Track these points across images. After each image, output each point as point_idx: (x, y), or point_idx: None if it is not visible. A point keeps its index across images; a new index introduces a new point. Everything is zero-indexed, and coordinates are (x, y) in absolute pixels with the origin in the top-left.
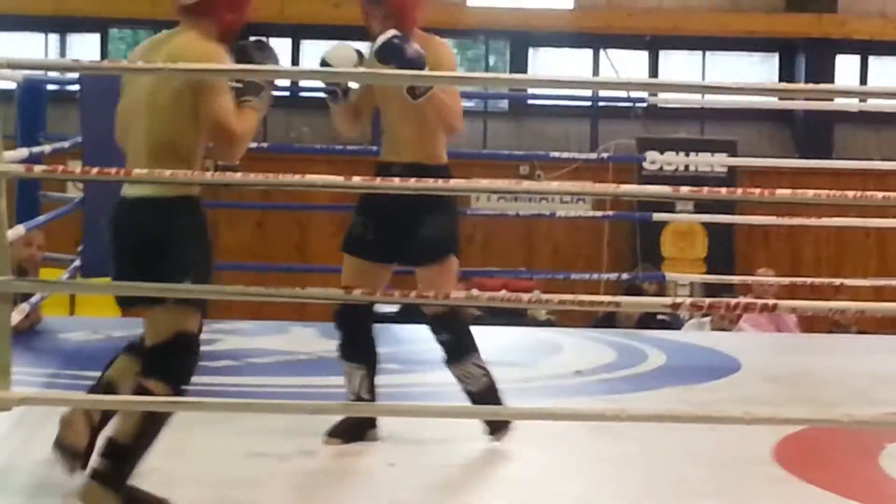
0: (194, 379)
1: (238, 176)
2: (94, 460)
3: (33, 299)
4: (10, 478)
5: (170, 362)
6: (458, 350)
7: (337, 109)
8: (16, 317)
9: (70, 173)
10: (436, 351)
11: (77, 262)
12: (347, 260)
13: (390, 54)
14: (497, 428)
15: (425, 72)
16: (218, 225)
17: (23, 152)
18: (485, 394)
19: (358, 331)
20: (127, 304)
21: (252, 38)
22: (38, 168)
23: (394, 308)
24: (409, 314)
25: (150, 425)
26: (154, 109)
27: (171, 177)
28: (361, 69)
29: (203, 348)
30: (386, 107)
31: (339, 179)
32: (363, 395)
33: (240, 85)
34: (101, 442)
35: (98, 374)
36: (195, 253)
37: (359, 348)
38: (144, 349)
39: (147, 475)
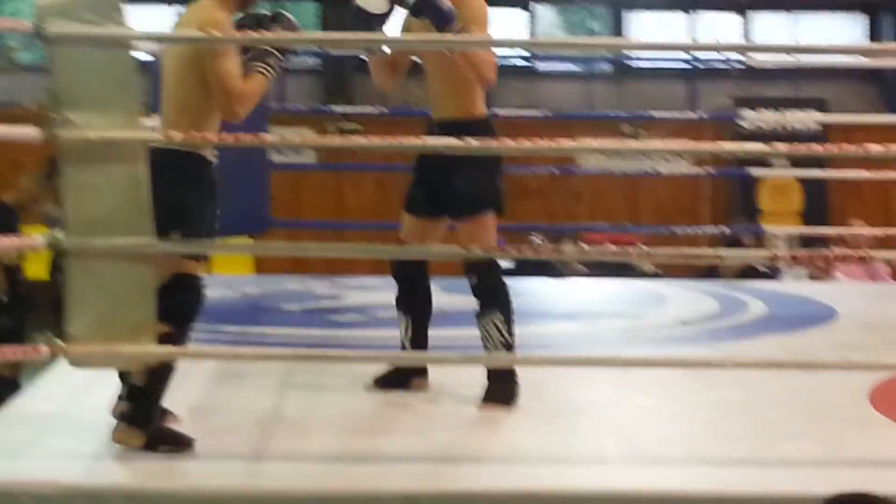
0: (325, 331)
1: (363, 140)
2: (119, 404)
3: None
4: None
5: (170, 303)
6: (488, 302)
7: (373, 61)
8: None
9: (205, 140)
10: (549, 304)
11: None
12: (403, 217)
13: (423, 7)
14: (502, 396)
15: (519, 39)
16: (343, 186)
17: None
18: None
19: (411, 284)
20: None
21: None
22: (176, 135)
23: (509, 263)
24: (522, 268)
25: (160, 367)
26: (169, 74)
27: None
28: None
29: (330, 303)
30: (424, 62)
31: (456, 142)
32: (406, 343)
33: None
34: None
35: (232, 328)
36: (185, 205)
37: (410, 300)
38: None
39: (285, 424)
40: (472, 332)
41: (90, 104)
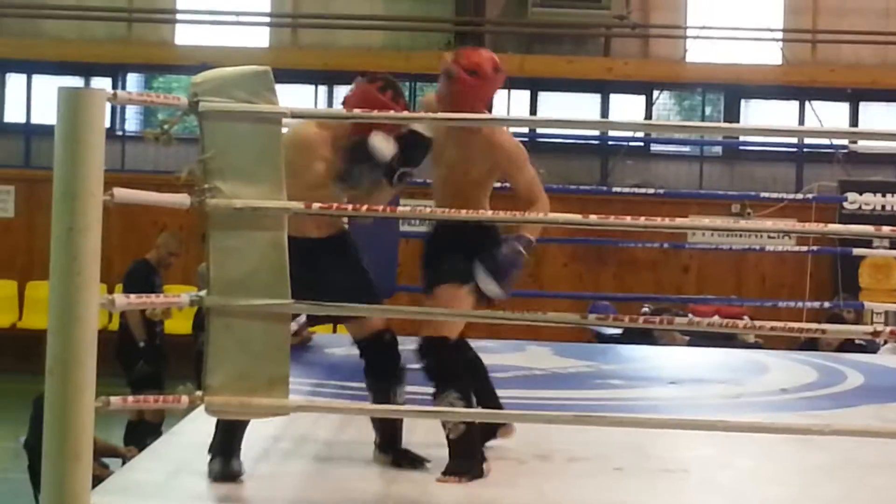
0: None
1: (489, 214)
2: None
3: (301, 319)
4: (284, 475)
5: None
6: (441, 383)
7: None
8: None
9: (342, 209)
10: (656, 369)
11: None
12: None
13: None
14: (463, 470)
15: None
16: None
17: None
18: (459, 439)
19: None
20: None
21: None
22: (315, 205)
23: (619, 330)
24: (631, 336)
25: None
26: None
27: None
28: None
29: None
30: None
31: (577, 217)
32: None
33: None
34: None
35: (358, 384)
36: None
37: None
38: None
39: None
40: (575, 393)
41: (237, 174)
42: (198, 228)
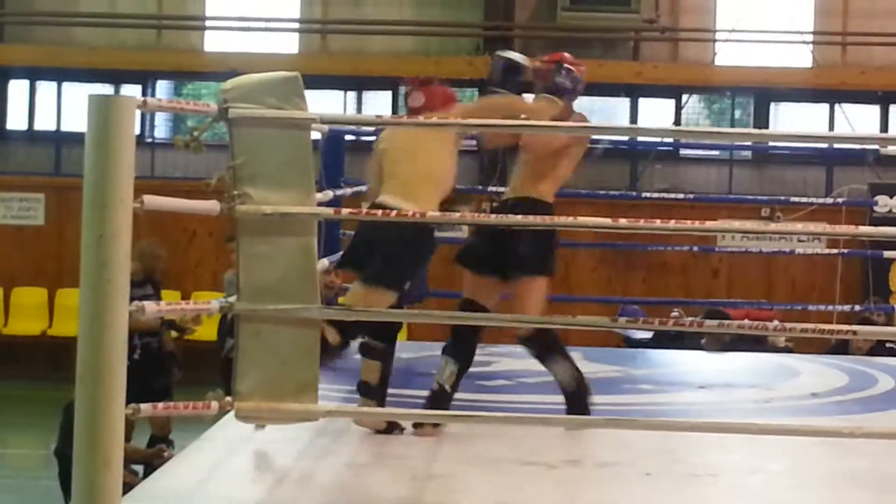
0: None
1: (518, 218)
2: None
3: None
4: (314, 480)
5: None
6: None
7: None
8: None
9: (372, 215)
10: (685, 374)
11: None
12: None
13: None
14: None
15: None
16: None
17: (328, 195)
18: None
19: (468, 336)
20: None
21: None
22: (344, 210)
23: (648, 335)
24: (660, 340)
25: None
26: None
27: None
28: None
29: (480, 369)
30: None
31: (607, 221)
32: (446, 386)
33: None
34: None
35: (388, 390)
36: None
37: (461, 349)
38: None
39: (437, 480)
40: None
41: (267, 181)
42: (226, 234)
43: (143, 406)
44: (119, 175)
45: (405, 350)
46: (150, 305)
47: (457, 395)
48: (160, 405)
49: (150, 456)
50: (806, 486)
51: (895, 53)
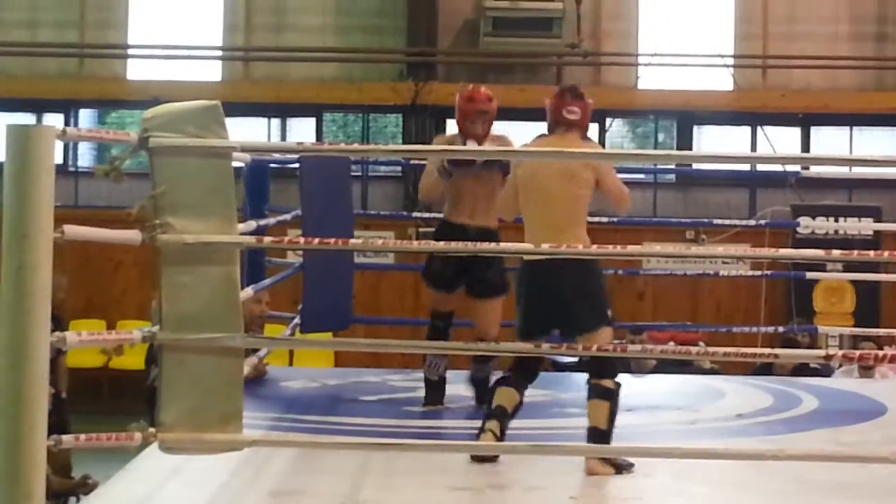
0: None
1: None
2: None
3: (261, 353)
4: None
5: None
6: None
7: (436, 181)
8: (245, 368)
9: (294, 244)
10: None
11: (296, 320)
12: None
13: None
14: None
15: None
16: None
17: (251, 224)
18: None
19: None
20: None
21: None
22: (266, 239)
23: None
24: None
25: (613, 413)
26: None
27: (366, 244)
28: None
29: (407, 395)
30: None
31: (529, 247)
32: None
33: None
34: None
35: (315, 417)
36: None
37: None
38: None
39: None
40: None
41: (188, 210)
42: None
43: (66, 437)
44: (38, 205)
45: (332, 377)
46: (71, 336)
47: (381, 422)
48: (83, 437)
49: (74, 486)
50: None
51: (814, 76)
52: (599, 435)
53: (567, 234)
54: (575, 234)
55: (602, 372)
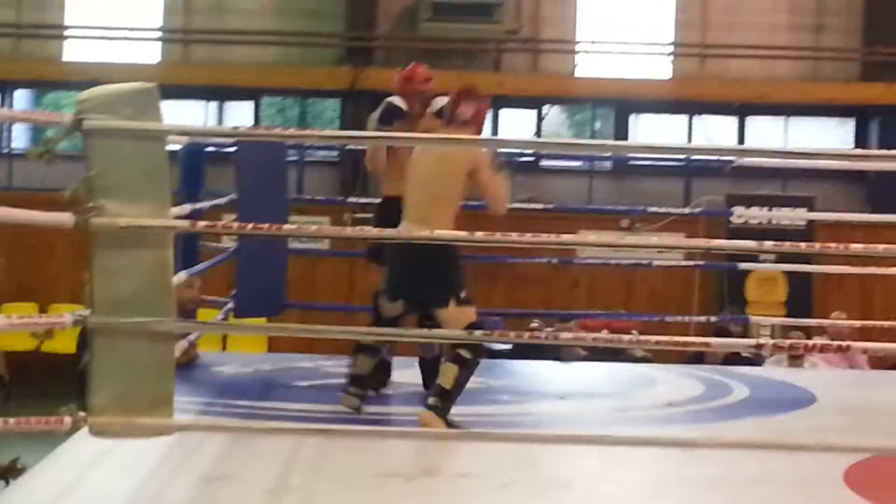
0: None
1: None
2: (429, 398)
3: (191, 337)
4: (168, 496)
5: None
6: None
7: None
8: (176, 353)
9: (228, 228)
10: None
11: (230, 305)
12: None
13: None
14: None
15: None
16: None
17: (185, 208)
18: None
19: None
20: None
21: None
22: (200, 224)
23: (508, 346)
24: (520, 351)
25: (462, 379)
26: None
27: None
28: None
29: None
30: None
31: (464, 234)
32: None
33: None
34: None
35: (245, 402)
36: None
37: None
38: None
39: (292, 494)
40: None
41: (121, 193)
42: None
43: None
44: None
45: (266, 362)
46: (2, 319)
47: (314, 407)
48: (11, 420)
49: (3, 470)
50: (659, 494)
51: (752, 65)
52: (442, 393)
53: (431, 215)
54: (438, 216)
55: (465, 345)
